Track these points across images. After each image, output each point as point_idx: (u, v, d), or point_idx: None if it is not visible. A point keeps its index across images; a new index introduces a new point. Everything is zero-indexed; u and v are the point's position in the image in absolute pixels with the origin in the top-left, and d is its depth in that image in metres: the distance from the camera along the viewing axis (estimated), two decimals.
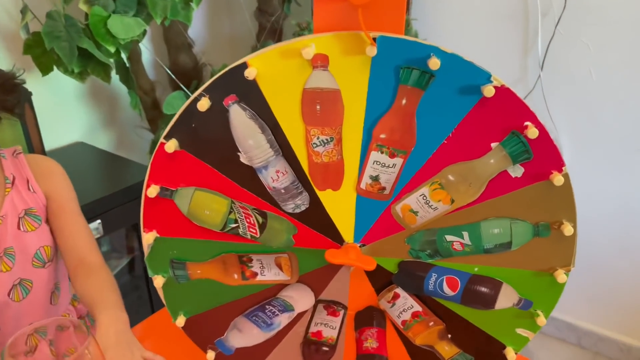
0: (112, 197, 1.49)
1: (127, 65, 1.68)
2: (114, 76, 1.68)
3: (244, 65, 0.53)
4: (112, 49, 1.48)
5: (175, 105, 1.51)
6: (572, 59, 1.48)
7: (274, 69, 0.53)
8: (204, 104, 0.54)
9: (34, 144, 1.56)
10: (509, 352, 0.63)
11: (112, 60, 1.56)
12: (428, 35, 1.56)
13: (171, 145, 0.56)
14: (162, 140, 0.56)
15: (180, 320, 0.65)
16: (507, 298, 0.61)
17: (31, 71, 1.55)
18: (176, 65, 1.77)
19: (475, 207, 0.57)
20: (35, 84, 1.63)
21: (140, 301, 1.60)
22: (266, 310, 0.64)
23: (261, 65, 0.53)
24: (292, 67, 0.52)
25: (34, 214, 0.85)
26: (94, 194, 1.48)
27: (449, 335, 0.64)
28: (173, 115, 0.57)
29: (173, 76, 1.70)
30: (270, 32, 1.77)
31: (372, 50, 0.51)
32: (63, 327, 0.94)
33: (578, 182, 0.58)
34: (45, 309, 0.89)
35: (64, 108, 1.82)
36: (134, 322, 0.90)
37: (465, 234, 0.58)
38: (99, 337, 0.71)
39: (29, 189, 0.86)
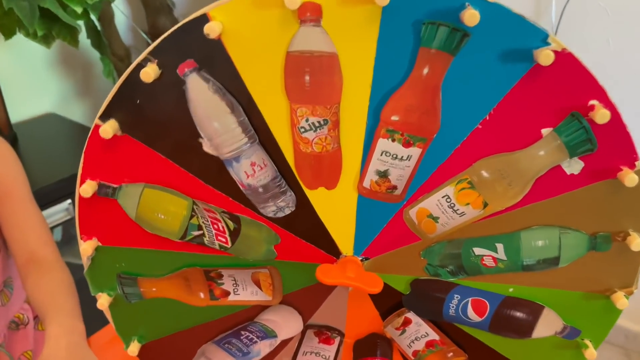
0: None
1: (99, 28, 1.52)
2: (85, 41, 1.52)
3: (204, 19, 0.38)
4: (79, 10, 1.32)
5: None
6: (588, 26, 1.34)
7: (246, 24, 0.38)
8: (149, 73, 0.39)
9: None
10: None
11: (80, 22, 1.40)
12: None
13: (108, 129, 0.41)
14: (96, 121, 0.42)
15: (134, 348, 0.51)
16: (548, 325, 0.48)
17: None
18: (155, 29, 1.60)
19: (514, 212, 0.43)
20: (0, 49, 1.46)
21: None
22: (241, 337, 0.51)
23: (228, 19, 0.38)
24: (270, 20, 0.38)
25: None
26: (65, 170, 1.34)
27: None
28: None
29: (150, 42, 1.53)
30: None
31: None
32: (18, 325, 0.81)
33: None
34: None
35: (32, 76, 1.65)
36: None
37: (500, 247, 0.45)
38: (48, 351, 0.60)
39: None
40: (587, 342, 0.48)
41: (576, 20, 1.32)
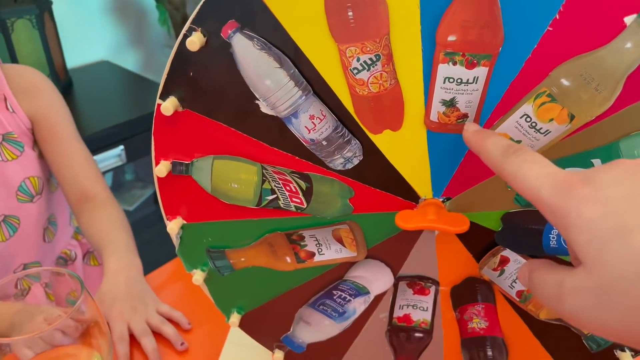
0: (137, 122, 1.41)
1: None
2: None
3: None
4: None
5: None
6: None
7: None
8: (195, 42, 0.39)
9: (54, 60, 1.49)
10: None
11: None
12: None
13: (169, 106, 0.42)
14: (157, 100, 0.43)
15: (234, 319, 0.53)
16: None
17: None
18: None
19: (607, 120, 0.38)
20: None
21: (164, 234, 1.60)
22: (334, 297, 0.50)
23: None
24: None
25: (13, 140, 0.75)
26: (117, 117, 1.43)
27: None
28: None
29: None
30: None
31: None
32: (67, 261, 0.86)
33: None
34: (38, 247, 0.80)
35: (88, 23, 1.72)
36: (155, 259, 0.79)
37: (597, 163, 0.40)
38: (107, 286, 0.63)
39: (7, 109, 0.75)
40: None
41: None
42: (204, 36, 0.39)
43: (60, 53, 1.44)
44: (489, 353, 0.49)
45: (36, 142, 0.79)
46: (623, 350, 0.47)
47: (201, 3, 0.39)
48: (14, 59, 1.31)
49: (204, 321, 0.66)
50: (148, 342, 0.62)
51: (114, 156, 1.43)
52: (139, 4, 1.78)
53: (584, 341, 0.48)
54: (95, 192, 0.80)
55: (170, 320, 0.65)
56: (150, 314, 0.64)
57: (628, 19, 0.34)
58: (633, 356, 0.47)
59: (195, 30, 0.39)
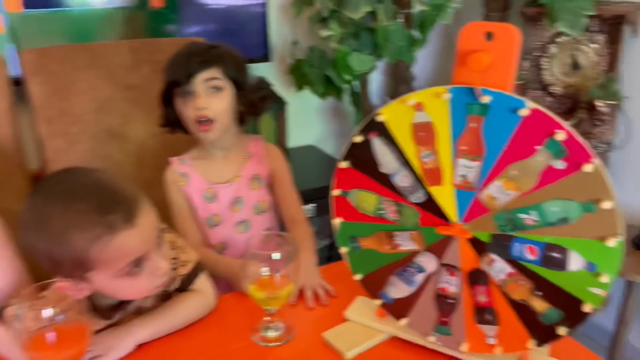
0: (327, 189, 2.03)
1: (357, 90, 2.23)
2: (346, 98, 2.27)
3: (377, 113, 0.92)
4: (348, 78, 2.01)
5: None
6: None
7: (394, 113, 0.90)
8: (358, 139, 0.94)
9: (280, 139, 2.21)
10: (586, 306, 0.82)
11: (346, 85, 2.11)
12: None
13: (344, 164, 0.97)
14: (339, 162, 0.98)
15: (358, 277, 1.03)
16: (575, 262, 0.82)
17: (289, 87, 2.22)
18: (397, 94, 2.27)
19: (536, 193, 0.82)
20: (291, 97, 2.32)
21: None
22: (407, 271, 0.98)
23: (387, 112, 0.91)
24: (405, 110, 0.89)
25: (259, 179, 1.41)
26: (314, 183, 2.07)
27: (540, 293, 0.87)
28: None
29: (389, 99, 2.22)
30: None
31: (446, 95, 0.84)
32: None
33: None
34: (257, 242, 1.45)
35: (306, 118, 2.49)
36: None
37: (534, 213, 0.83)
38: (304, 262, 1.18)
39: (259, 163, 1.42)
40: (602, 272, 0.80)
41: None
42: (362, 137, 0.94)
43: (284, 136, 2.17)
44: (488, 317, 0.91)
45: (269, 184, 1.44)
46: (562, 326, 0.85)
47: (362, 123, 0.94)
48: None
49: (347, 285, 1.17)
50: (320, 291, 1.16)
51: (308, 209, 2.08)
52: (343, 108, 2.50)
53: (538, 317, 0.87)
54: (298, 218, 1.42)
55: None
56: (319, 282, 1.19)
57: (537, 148, 0.80)
58: (568, 333, 0.85)
59: (359, 134, 0.94)
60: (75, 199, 0.80)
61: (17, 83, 1.56)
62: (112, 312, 1.00)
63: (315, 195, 2.03)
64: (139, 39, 1.96)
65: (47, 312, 0.79)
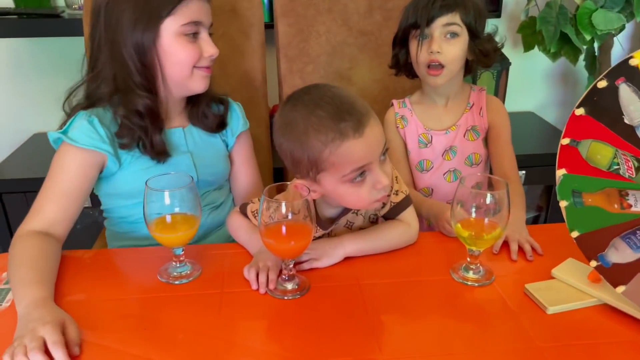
0: (540, 158, 1.93)
1: (596, 54, 1.99)
2: (581, 61, 2.05)
3: (630, 57, 0.84)
4: (588, 37, 1.80)
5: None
6: None
7: None
8: (602, 84, 0.87)
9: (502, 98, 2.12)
10: None
11: (584, 47, 1.90)
12: None
13: (580, 111, 0.91)
14: (574, 109, 0.93)
15: (574, 234, 0.98)
16: None
17: (516, 47, 2.10)
18: None
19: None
20: (516, 57, 2.20)
21: None
22: (637, 235, 0.89)
23: None
24: None
25: (476, 130, 1.39)
26: (527, 150, 2.00)
27: None
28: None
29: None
30: None
31: None
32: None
33: None
34: None
35: (529, 81, 2.33)
36: None
37: None
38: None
39: (479, 114, 1.39)
40: None
41: None
42: (607, 82, 0.87)
43: (503, 99, 2.08)
44: None
45: (486, 137, 1.41)
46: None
47: (610, 67, 0.86)
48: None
49: (556, 248, 1.12)
50: (526, 246, 1.13)
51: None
52: (574, 72, 2.29)
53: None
54: (510, 176, 1.37)
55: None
56: (526, 237, 1.15)
57: None
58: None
59: (603, 79, 0.87)
60: (317, 107, 0.91)
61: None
62: (329, 224, 1.12)
63: (527, 162, 1.93)
64: None
65: (283, 209, 0.92)
